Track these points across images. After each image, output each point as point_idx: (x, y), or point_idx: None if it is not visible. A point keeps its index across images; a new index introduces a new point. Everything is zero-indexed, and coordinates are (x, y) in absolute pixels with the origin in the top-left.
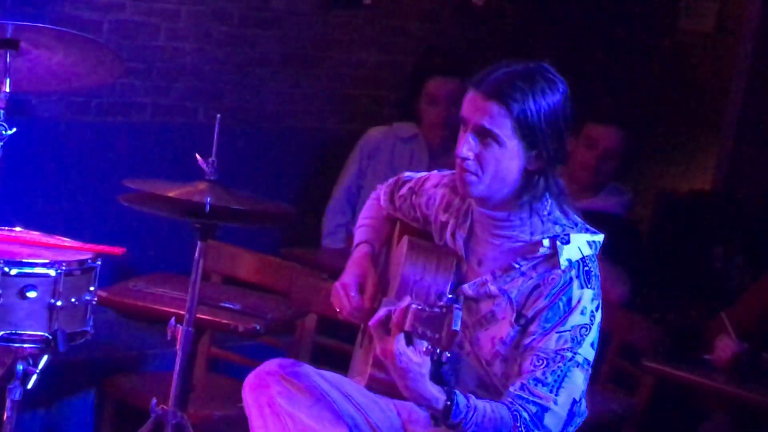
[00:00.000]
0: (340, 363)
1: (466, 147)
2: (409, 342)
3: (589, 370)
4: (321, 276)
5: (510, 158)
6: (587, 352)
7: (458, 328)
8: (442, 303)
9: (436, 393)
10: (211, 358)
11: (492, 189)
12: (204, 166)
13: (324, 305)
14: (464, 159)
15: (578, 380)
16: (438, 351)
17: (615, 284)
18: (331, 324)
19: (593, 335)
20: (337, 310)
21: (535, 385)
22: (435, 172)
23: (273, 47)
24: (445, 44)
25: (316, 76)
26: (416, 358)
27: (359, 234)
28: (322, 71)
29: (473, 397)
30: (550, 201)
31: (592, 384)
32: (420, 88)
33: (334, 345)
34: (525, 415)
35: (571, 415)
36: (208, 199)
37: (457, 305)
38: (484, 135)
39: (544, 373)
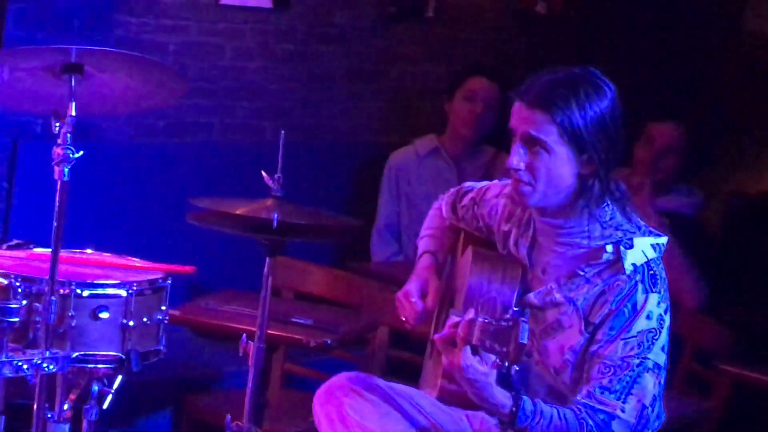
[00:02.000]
0: (413, 375)
1: (516, 158)
2: (475, 352)
3: (661, 374)
4: (391, 288)
5: (561, 164)
6: (658, 356)
7: (526, 341)
8: (508, 316)
9: (503, 399)
10: (285, 374)
11: (547, 196)
12: (270, 182)
13: (395, 317)
14: (516, 170)
15: (648, 386)
16: (506, 364)
17: (691, 288)
18: (402, 336)
19: (663, 339)
20: (402, 318)
21: (602, 393)
22: (496, 181)
23: (337, 63)
24: (508, 53)
25: (380, 90)
26: (483, 368)
27: (422, 244)
28: (386, 85)
29: (540, 403)
30: (611, 206)
31: (666, 389)
32: (459, 85)
33: (406, 357)
34: (591, 422)
35: (642, 421)
36: (275, 215)
37: (523, 318)
38: (532, 143)
39: (611, 381)
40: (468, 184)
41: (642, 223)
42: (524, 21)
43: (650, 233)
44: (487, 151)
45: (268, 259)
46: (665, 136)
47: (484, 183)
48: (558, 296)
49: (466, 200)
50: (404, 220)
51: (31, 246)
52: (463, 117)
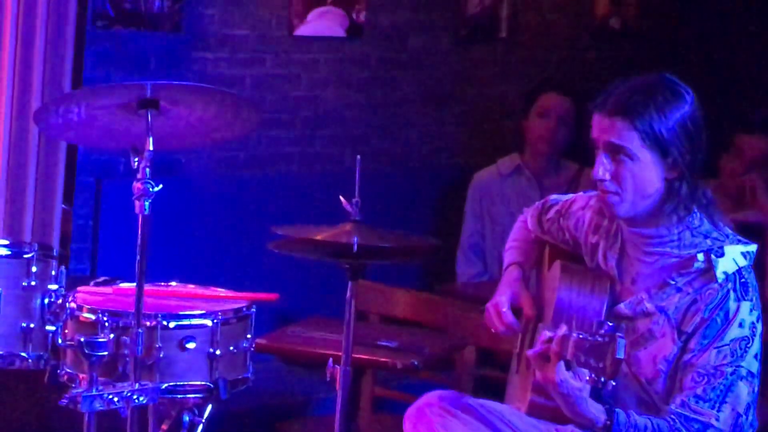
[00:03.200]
0: (501, 393)
1: (601, 168)
2: (569, 367)
3: (755, 381)
4: (477, 308)
5: (646, 170)
6: (751, 364)
7: (623, 356)
8: (603, 331)
9: (596, 413)
10: (375, 398)
11: (636, 204)
12: (348, 207)
13: (482, 336)
14: (602, 180)
15: (742, 394)
16: (602, 379)
17: None
18: (489, 355)
19: (756, 346)
20: (491, 329)
21: (696, 402)
22: (581, 193)
23: (413, 87)
24: (585, 70)
25: (457, 113)
26: (577, 384)
27: (508, 256)
28: (463, 108)
29: (634, 414)
30: (698, 214)
31: (760, 396)
32: (533, 102)
33: (494, 375)
34: None
35: (736, 429)
36: (355, 239)
37: (619, 333)
38: (615, 151)
39: (704, 390)
40: (553, 197)
41: (729, 230)
42: (599, 37)
43: (739, 241)
44: (570, 167)
45: (350, 283)
46: (754, 148)
47: (570, 195)
48: (649, 306)
49: (551, 213)
50: (488, 239)
51: (118, 282)
52: (538, 133)
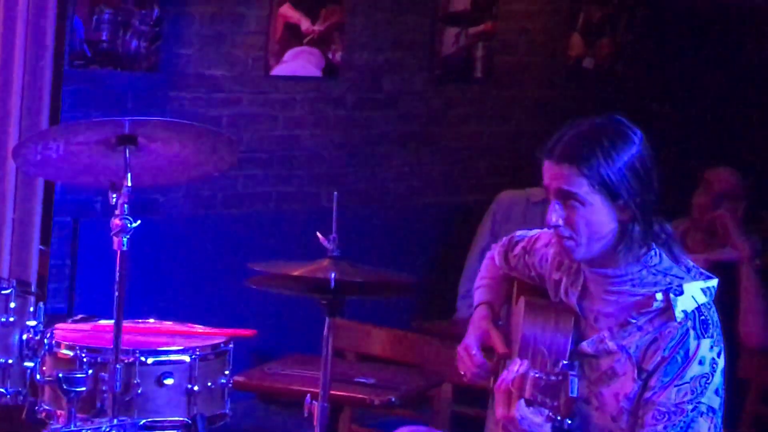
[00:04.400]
0: (478, 430)
1: (554, 215)
2: (529, 404)
3: (717, 417)
4: (453, 346)
5: (597, 214)
6: (711, 399)
7: (575, 394)
8: (558, 370)
9: None
10: None
11: (591, 247)
12: (326, 243)
13: (457, 374)
14: (556, 227)
15: (702, 430)
16: (558, 418)
17: (759, 328)
18: (466, 392)
19: (717, 382)
20: (462, 372)
21: None
22: (545, 230)
23: (389, 127)
24: (559, 109)
25: (433, 151)
26: (538, 419)
27: (478, 295)
28: (439, 146)
29: None
30: (657, 250)
31: (732, 431)
32: None
33: (470, 413)
34: None
35: None
36: (333, 275)
37: (572, 372)
38: (566, 197)
39: (665, 427)
40: (519, 233)
41: (691, 264)
42: (573, 77)
43: (700, 275)
44: None
45: (327, 320)
46: (722, 181)
47: (535, 231)
48: (611, 344)
49: (517, 249)
50: None
51: (96, 319)
52: None
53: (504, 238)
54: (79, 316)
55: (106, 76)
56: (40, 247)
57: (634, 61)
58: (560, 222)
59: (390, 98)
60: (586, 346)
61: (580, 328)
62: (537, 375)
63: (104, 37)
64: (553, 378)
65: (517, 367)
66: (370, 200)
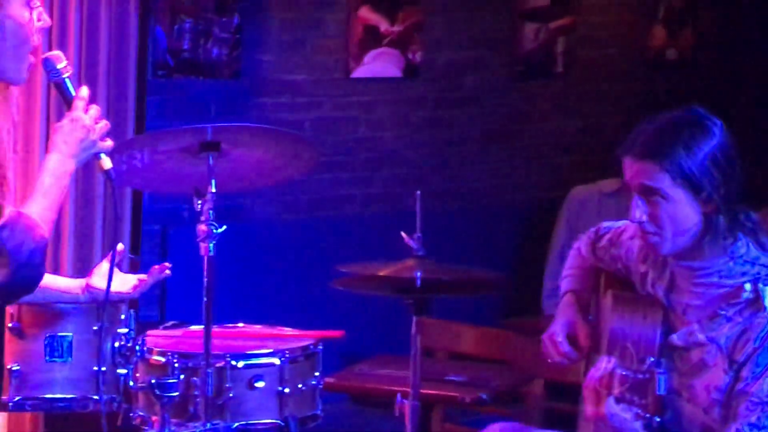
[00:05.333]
0: (571, 425)
1: (638, 211)
2: (619, 401)
3: None
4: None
5: (681, 208)
6: None
7: (663, 392)
8: (645, 367)
9: None
10: None
11: (677, 241)
12: (410, 242)
13: (550, 369)
14: (640, 223)
15: None
16: (647, 416)
17: None
18: (558, 387)
19: None
20: (548, 360)
21: (751, 430)
22: (630, 222)
23: (470, 125)
24: (642, 102)
25: (516, 148)
26: (627, 416)
27: (564, 284)
28: (521, 143)
29: None
30: (744, 240)
31: None
32: None
33: (564, 408)
34: None
35: None
36: (418, 274)
37: (659, 370)
38: (648, 193)
39: (758, 418)
40: (605, 224)
41: None
42: (655, 68)
43: None
44: None
45: (414, 319)
46: None
47: (621, 223)
48: (700, 336)
49: (604, 241)
50: None
51: (187, 325)
52: None
53: (591, 230)
54: (171, 323)
55: (189, 85)
56: (131, 255)
57: (717, 51)
58: (644, 218)
59: (471, 96)
60: (676, 338)
61: (669, 321)
62: (624, 373)
63: (186, 47)
64: (640, 376)
65: (604, 364)
66: (454, 199)
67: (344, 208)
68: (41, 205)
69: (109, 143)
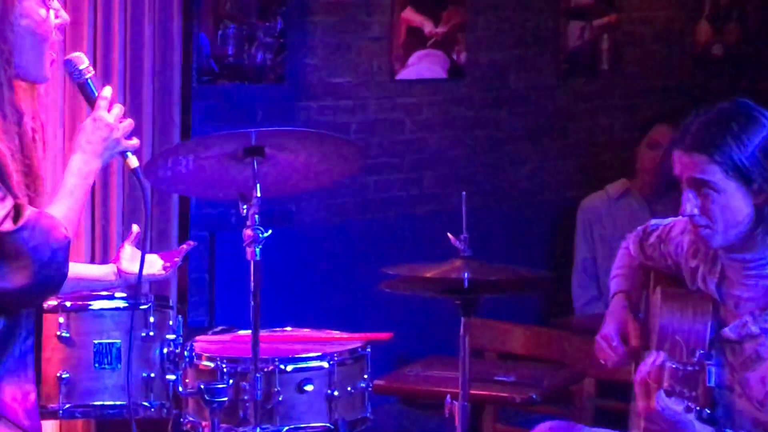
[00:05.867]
0: (622, 423)
1: (689, 205)
2: (670, 395)
3: None
4: (593, 340)
5: (732, 200)
6: None
7: (713, 384)
8: (695, 359)
9: None
10: None
11: (728, 234)
12: (457, 243)
13: (599, 367)
14: (691, 216)
15: None
16: (697, 408)
17: None
18: (609, 385)
19: None
20: (602, 361)
21: None
22: (680, 218)
23: (516, 124)
24: (688, 97)
25: (562, 146)
26: (679, 407)
27: (613, 285)
28: (568, 141)
29: None
30: None
31: None
32: (645, 133)
33: (615, 406)
34: None
35: None
36: (465, 274)
37: (709, 361)
38: (700, 186)
39: None
40: (653, 222)
41: None
42: (702, 64)
43: None
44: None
45: (463, 319)
46: None
47: (669, 220)
48: (754, 328)
49: (652, 239)
50: (601, 262)
51: (235, 330)
52: (647, 165)
53: (639, 228)
54: (219, 328)
55: (234, 90)
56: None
57: (763, 46)
58: (695, 211)
59: (516, 96)
60: (728, 332)
61: (720, 315)
62: (674, 366)
63: (230, 52)
64: (690, 368)
65: (653, 358)
66: (501, 198)
67: (391, 210)
68: (66, 205)
69: (134, 142)
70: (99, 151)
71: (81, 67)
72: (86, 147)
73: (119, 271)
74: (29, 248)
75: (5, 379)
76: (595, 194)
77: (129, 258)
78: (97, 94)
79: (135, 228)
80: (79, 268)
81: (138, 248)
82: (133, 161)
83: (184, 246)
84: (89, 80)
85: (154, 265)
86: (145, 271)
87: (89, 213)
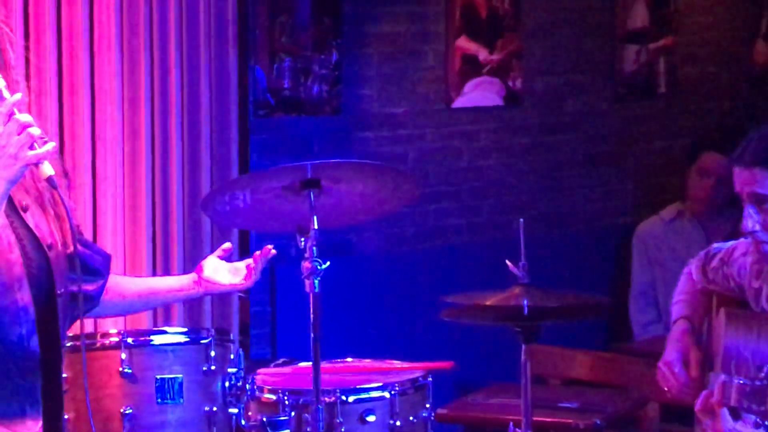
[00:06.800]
0: None
1: (750, 221)
2: (737, 416)
3: None
4: (656, 365)
5: None
6: None
7: None
8: (762, 374)
9: None
10: None
11: None
12: (515, 270)
13: (663, 392)
14: (752, 232)
15: None
16: (766, 423)
17: None
18: (673, 410)
19: None
20: (665, 389)
21: None
22: (742, 240)
23: (574, 149)
24: (747, 119)
25: (621, 170)
26: (746, 430)
27: (675, 310)
28: (626, 165)
29: None
30: None
31: None
32: (694, 159)
33: (679, 430)
34: None
35: None
36: (525, 301)
37: None
38: (760, 201)
39: None
40: (715, 245)
41: None
42: (760, 85)
43: None
44: (734, 210)
45: (524, 346)
46: None
47: (731, 243)
48: None
49: (714, 262)
50: (659, 286)
51: (297, 361)
52: (698, 192)
53: (701, 253)
54: (281, 360)
55: (291, 123)
56: (240, 295)
57: None
58: (757, 227)
59: (573, 121)
60: None
61: None
62: (741, 382)
63: (286, 85)
64: (758, 383)
65: (718, 379)
66: (559, 224)
67: (450, 239)
68: None
69: (44, 150)
70: None
71: None
72: None
73: (200, 280)
74: None
75: None
76: (649, 219)
77: (213, 268)
78: None
79: (227, 245)
80: (152, 282)
81: (227, 261)
82: (47, 169)
83: (267, 248)
84: None
85: (239, 272)
86: (228, 281)
87: (150, 237)
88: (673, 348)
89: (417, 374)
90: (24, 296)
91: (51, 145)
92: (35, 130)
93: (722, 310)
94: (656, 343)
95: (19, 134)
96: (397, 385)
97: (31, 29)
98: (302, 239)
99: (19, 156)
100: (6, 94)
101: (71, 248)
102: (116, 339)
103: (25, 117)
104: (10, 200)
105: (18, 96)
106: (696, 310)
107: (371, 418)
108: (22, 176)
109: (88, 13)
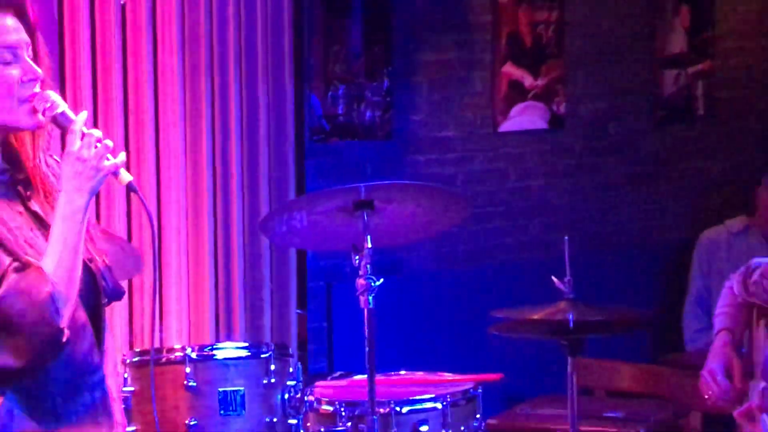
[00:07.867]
0: None
1: None
2: None
3: None
4: (699, 376)
5: None
6: None
7: None
8: None
9: None
10: None
11: None
12: (561, 286)
13: (705, 401)
14: None
15: None
16: None
17: None
18: (716, 419)
19: None
20: (706, 397)
21: None
22: None
23: (617, 171)
24: None
25: (662, 191)
26: None
27: (717, 322)
28: (667, 186)
29: None
30: None
31: None
32: (765, 173)
33: None
34: None
35: None
36: (570, 315)
37: None
38: None
39: None
40: (756, 260)
41: None
42: None
43: None
44: None
45: (570, 359)
46: None
47: None
48: None
49: (755, 276)
50: (715, 295)
51: (353, 375)
52: (765, 206)
53: (741, 268)
54: (338, 374)
55: (345, 148)
56: (298, 311)
57: None
58: None
59: (616, 143)
60: None
61: None
62: None
63: (340, 111)
64: None
65: (759, 387)
66: (604, 242)
67: (498, 257)
68: (56, 253)
69: (117, 160)
70: (77, 186)
71: (47, 105)
72: (65, 186)
73: None
74: (13, 314)
75: None
76: (713, 229)
77: None
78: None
79: None
80: None
81: None
82: (125, 177)
83: None
84: (57, 115)
85: None
86: None
87: (212, 254)
88: (715, 358)
89: (467, 386)
90: (81, 313)
91: (122, 155)
92: (109, 142)
93: (762, 321)
94: (704, 355)
95: (96, 147)
96: (449, 396)
97: (98, 61)
98: (357, 257)
99: (100, 167)
100: (70, 113)
101: (101, 259)
102: (180, 354)
103: (96, 132)
104: None
105: (84, 114)
106: (737, 322)
107: (424, 429)
108: None
109: (152, 48)
